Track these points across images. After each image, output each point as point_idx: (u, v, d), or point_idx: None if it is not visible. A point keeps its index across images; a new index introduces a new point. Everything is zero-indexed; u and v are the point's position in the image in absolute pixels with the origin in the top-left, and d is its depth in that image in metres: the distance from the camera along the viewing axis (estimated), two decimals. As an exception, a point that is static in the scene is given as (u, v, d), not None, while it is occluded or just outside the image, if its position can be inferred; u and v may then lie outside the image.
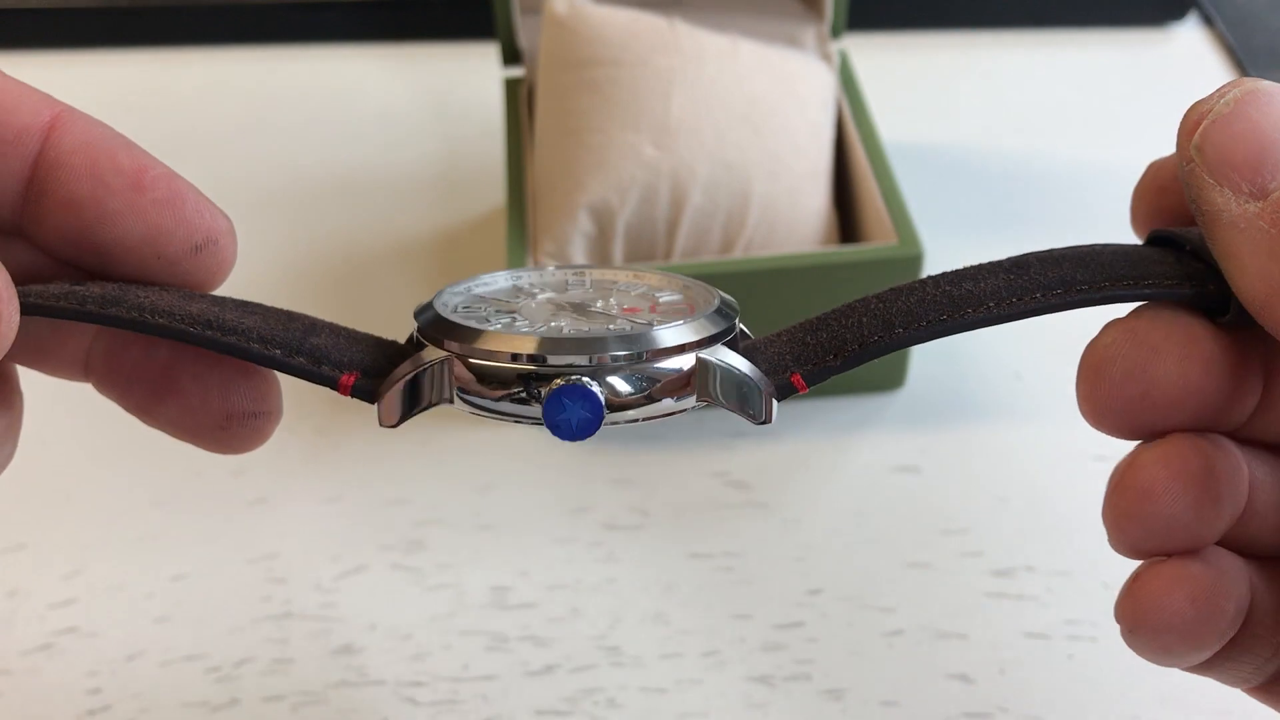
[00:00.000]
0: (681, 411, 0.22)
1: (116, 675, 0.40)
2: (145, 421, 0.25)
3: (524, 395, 0.21)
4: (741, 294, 0.45)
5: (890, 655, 0.40)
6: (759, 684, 0.39)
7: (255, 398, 0.25)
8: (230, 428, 0.24)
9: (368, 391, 0.23)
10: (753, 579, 0.42)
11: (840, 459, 0.46)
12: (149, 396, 0.24)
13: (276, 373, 0.25)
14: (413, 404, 0.23)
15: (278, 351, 0.23)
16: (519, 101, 0.53)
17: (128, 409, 0.25)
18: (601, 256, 0.48)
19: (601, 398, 0.21)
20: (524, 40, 0.54)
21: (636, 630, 0.41)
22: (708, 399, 0.22)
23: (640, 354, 0.22)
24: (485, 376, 0.22)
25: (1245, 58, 0.65)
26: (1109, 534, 0.24)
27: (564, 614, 0.41)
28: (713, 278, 0.44)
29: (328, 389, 0.23)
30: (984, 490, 0.45)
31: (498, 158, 0.58)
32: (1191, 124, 0.23)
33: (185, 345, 0.24)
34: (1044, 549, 0.43)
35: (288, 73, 0.67)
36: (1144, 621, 0.23)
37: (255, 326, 0.23)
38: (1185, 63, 0.66)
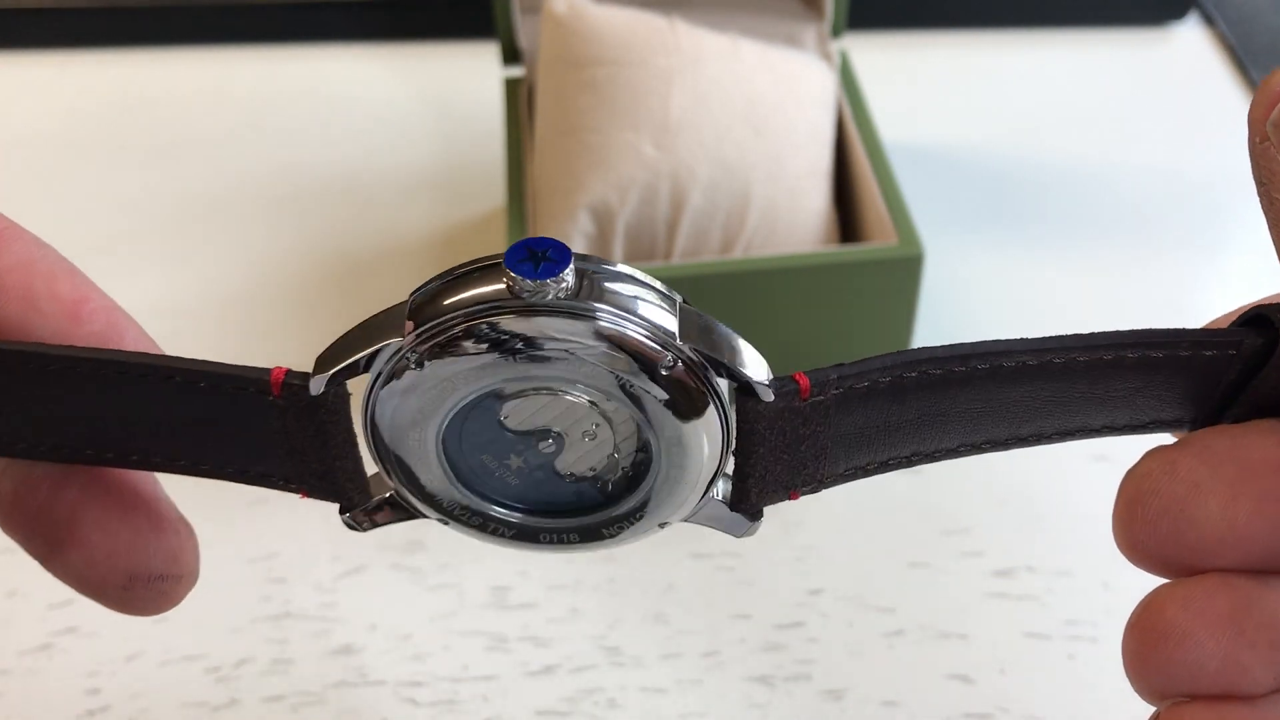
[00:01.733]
0: (667, 357, 0.20)
1: (116, 675, 0.40)
2: (48, 569, 0.23)
3: (488, 332, 0.20)
4: (742, 294, 0.45)
5: (890, 655, 0.40)
6: (759, 684, 0.39)
7: (166, 558, 0.23)
8: (133, 589, 0.22)
9: (302, 376, 0.21)
10: (753, 579, 0.42)
11: (840, 459, 0.46)
12: (51, 543, 0.22)
13: (194, 535, 0.24)
14: (346, 351, 0.21)
15: (209, 368, 0.21)
16: (519, 101, 0.53)
17: (31, 553, 0.23)
18: (601, 257, 0.48)
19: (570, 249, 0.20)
20: (524, 40, 0.54)
21: (636, 630, 0.41)
22: (690, 342, 0.20)
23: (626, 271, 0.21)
24: (450, 300, 0.20)
25: (1246, 57, 0.65)
26: (1129, 678, 0.22)
27: (564, 614, 0.41)
28: (713, 278, 0.44)
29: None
30: (984, 490, 0.45)
31: (498, 158, 0.58)
32: (1272, 95, 0.20)
33: (96, 489, 0.23)
34: (1044, 549, 0.43)
35: (288, 73, 0.67)
36: None
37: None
38: (1186, 62, 0.66)
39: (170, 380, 0.21)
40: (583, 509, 0.23)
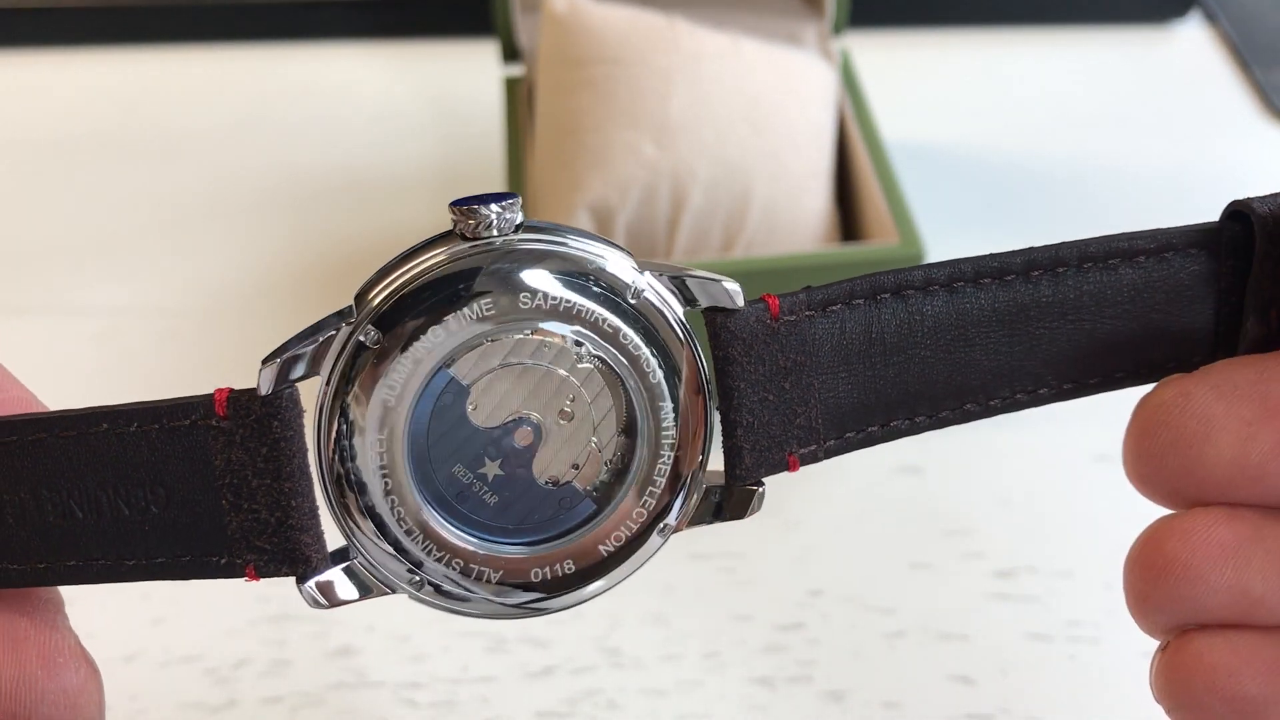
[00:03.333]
0: (632, 286, 0.20)
1: (114, 676, 0.39)
2: None
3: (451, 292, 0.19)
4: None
5: (892, 656, 0.40)
6: (760, 685, 0.39)
7: (58, 703, 0.18)
8: None
9: (248, 391, 0.19)
10: (753, 580, 0.42)
11: (841, 459, 0.46)
12: None
13: (99, 675, 0.20)
14: (294, 342, 0.20)
15: (139, 406, 0.19)
16: (519, 100, 0.53)
17: None
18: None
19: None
20: (523, 38, 0.54)
21: (637, 631, 0.40)
22: (649, 269, 0.20)
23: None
24: (395, 272, 0.20)
25: (1248, 55, 0.64)
26: (1134, 615, 0.21)
27: (563, 615, 0.41)
28: (713, 277, 0.44)
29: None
30: (986, 491, 0.45)
31: (497, 157, 0.58)
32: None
33: None
34: (1046, 549, 0.42)
35: (287, 71, 0.67)
36: (1192, 698, 0.20)
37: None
38: (1187, 60, 0.66)
39: (95, 430, 0.19)
40: (572, 525, 0.21)
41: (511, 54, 0.54)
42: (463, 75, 0.65)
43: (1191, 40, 0.67)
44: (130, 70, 0.67)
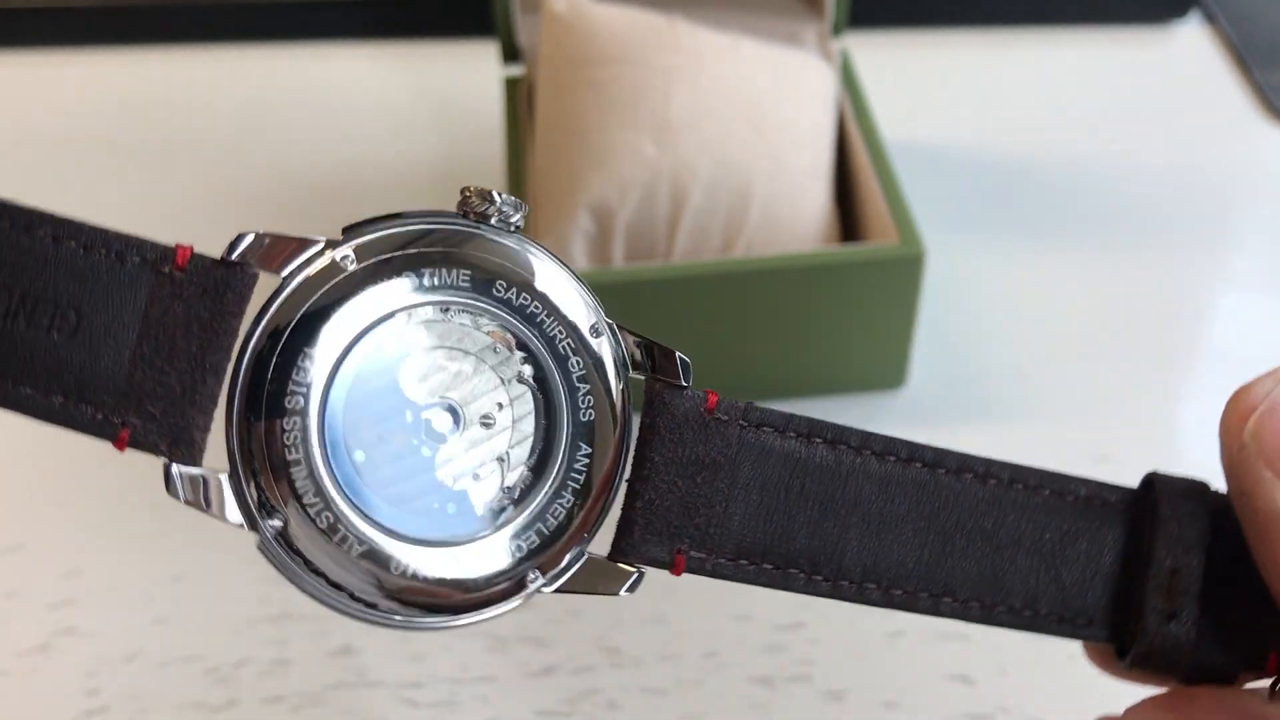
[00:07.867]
0: (594, 318, 0.20)
1: (115, 676, 0.40)
2: None
3: None
4: (742, 293, 0.45)
5: (891, 656, 0.40)
6: (759, 685, 0.39)
7: None
8: None
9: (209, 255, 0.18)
10: (753, 579, 0.42)
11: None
12: None
13: None
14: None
15: (95, 228, 0.18)
16: (519, 100, 0.53)
17: None
18: (601, 256, 0.48)
19: None
20: (524, 38, 0.54)
21: (636, 631, 0.40)
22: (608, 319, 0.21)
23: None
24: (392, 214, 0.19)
25: (1247, 56, 0.64)
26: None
27: (563, 615, 0.41)
28: (713, 277, 0.44)
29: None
30: (985, 490, 0.45)
31: (498, 157, 0.58)
32: (1245, 407, 0.21)
33: None
34: (1046, 549, 0.42)
35: (287, 71, 0.67)
36: None
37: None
38: (1187, 61, 0.66)
39: (31, 230, 0.18)
40: (448, 536, 0.20)
41: (511, 54, 0.54)
42: (463, 75, 0.65)
43: (1191, 40, 0.67)
44: (130, 70, 0.67)
